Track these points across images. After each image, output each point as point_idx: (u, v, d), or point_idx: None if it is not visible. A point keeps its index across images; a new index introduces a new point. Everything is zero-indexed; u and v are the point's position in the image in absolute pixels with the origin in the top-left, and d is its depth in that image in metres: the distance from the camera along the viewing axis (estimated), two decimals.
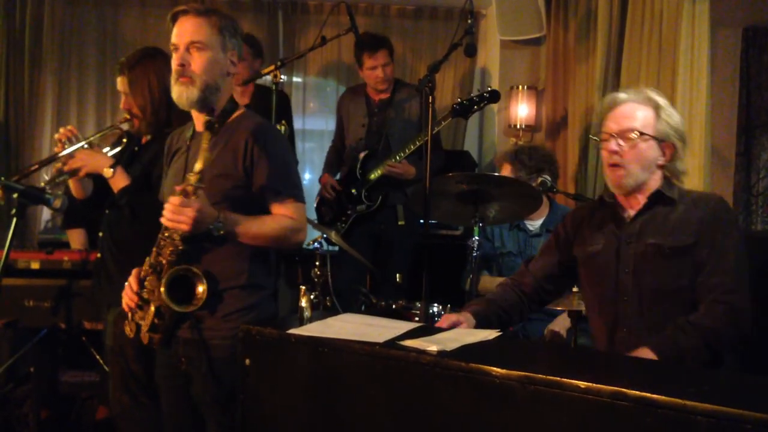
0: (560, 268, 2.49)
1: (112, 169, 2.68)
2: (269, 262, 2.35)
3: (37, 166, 2.80)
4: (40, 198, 2.24)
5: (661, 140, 2.26)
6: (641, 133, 2.24)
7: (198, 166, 2.09)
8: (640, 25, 4.16)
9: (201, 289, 2.15)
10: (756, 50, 4.72)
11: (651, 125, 2.25)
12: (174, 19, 2.24)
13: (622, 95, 2.33)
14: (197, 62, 2.20)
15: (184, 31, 2.21)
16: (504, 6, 4.96)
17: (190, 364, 2.28)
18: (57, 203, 2.26)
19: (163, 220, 2.11)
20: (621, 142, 2.26)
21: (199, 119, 2.31)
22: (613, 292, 2.30)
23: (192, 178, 2.10)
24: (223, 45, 2.23)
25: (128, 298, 2.26)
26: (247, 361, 2.11)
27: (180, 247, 2.15)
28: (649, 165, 2.27)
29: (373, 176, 4.14)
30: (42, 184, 2.76)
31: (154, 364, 2.48)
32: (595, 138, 2.37)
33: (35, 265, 3.48)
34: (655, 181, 2.29)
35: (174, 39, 2.23)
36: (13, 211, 2.18)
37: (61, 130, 2.79)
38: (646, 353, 2.09)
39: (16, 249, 3.51)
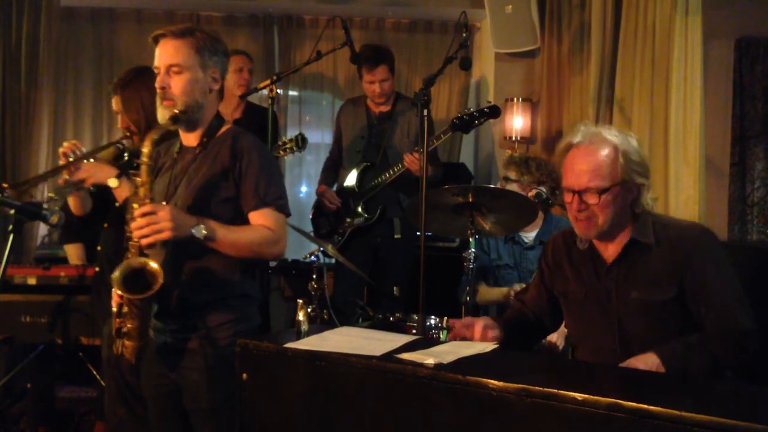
0: (550, 303, 2.46)
1: (117, 180, 2.73)
2: (256, 272, 2.41)
3: (41, 176, 2.90)
4: (37, 214, 2.25)
5: (624, 183, 2.17)
6: (604, 189, 2.14)
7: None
8: (633, 37, 4.18)
9: (154, 266, 2.10)
10: (748, 61, 4.75)
11: (611, 172, 2.15)
12: (156, 41, 2.30)
13: (576, 139, 2.21)
14: (177, 84, 2.25)
15: (163, 54, 2.27)
16: (498, 19, 5.00)
17: (181, 374, 2.29)
18: (54, 219, 2.27)
19: (137, 232, 2.10)
20: (584, 198, 2.17)
21: (185, 135, 2.37)
22: (600, 340, 2.28)
23: (141, 191, 2.14)
24: (202, 64, 2.28)
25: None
26: (244, 376, 2.11)
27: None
28: (617, 210, 2.18)
29: (371, 188, 4.15)
30: (50, 194, 2.85)
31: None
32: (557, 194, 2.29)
33: (32, 281, 3.48)
34: (626, 222, 2.22)
35: (156, 61, 2.29)
36: (10, 227, 2.18)
37: (66, 144, 2.85)
38: (652, 358, 2.07)
39: (12, 265, 3.51)
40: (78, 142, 2.87)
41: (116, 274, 2.11)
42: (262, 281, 4.42)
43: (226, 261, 2.27)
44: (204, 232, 2.15)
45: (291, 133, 4.97)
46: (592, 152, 2.17)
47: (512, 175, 3.55)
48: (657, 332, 2.18)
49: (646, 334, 2.20)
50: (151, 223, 2.08)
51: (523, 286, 3.32)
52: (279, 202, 2.30)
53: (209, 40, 2.30)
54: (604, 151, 2.16)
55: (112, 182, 2.73)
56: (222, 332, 2.27)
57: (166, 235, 2.09)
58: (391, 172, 4.08)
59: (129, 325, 2.17)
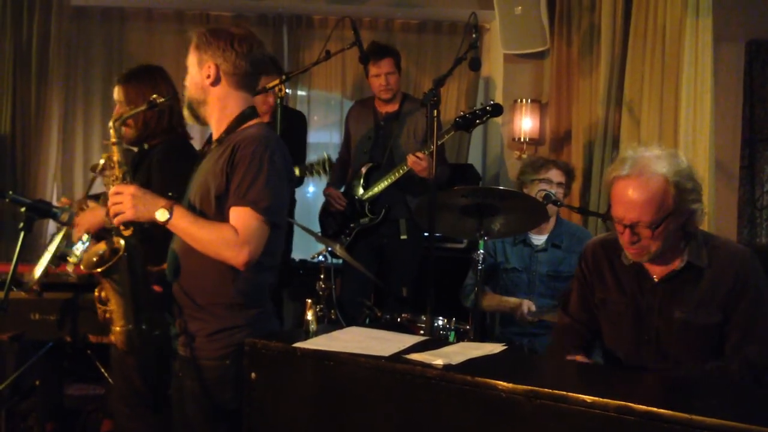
0: (597, 307, 2.38)
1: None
2: (262, 279, 2.25)
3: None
4: (48, 212, 2.26)
5: (677, 212, 2.09)
6: (655, 223, 2.06)
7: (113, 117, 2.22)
8: (643, 39, 4.17)
9: (121, 242, 2.12)
10: (759, 64, 4.73)
11: (662, 205, 2.06)
12: None
13: (624, 171, 2.09)
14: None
15: None
16: (507, 20, 4.99)
17: (182, 382, 2.28)
18: (64, 217, 2.28)
19: (110, 211, 2.12)
20: (636, 231, 2.09)
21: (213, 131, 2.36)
22: (634, 357, 2.24)
23: (116, 169, 2.18)
24: (199, 61, 2.27)
25: None
26: (253, 375, 2.11)
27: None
28: (669, 237, 2.11)
29: (377, 189, 4.15)
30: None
31: (156, 376, 2.48)
32: (607, 220, 2.21)
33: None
34: (678, 243, 2.16)
35: None
36: (21, 225, 2.19)
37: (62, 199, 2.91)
38: None
39: (22, 262, 3.52)
40: (66, 199, 2.86)
41: (85, 257, 2.14)
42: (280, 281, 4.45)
43: (219, 267, 2.15)
44: (166, 216, 2.09)
45: None
46: (642, 185, 2.06)
47: (559, 177, 3.48)
48: (694, 353, 2.16)
49: (682, 354, 2.17)
50: (116, 203, 2.10)
51: (532, 304, 3.30)
52: (259, 205, 2.10)
53: (204, 35, 2.26)
54: (655, 184, 2.05)
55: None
56: (215, 343, 2.20)
57: (126, 216, 2.10)
58: (396, 174, 4.06)
59: (111, 308, 2.15)
